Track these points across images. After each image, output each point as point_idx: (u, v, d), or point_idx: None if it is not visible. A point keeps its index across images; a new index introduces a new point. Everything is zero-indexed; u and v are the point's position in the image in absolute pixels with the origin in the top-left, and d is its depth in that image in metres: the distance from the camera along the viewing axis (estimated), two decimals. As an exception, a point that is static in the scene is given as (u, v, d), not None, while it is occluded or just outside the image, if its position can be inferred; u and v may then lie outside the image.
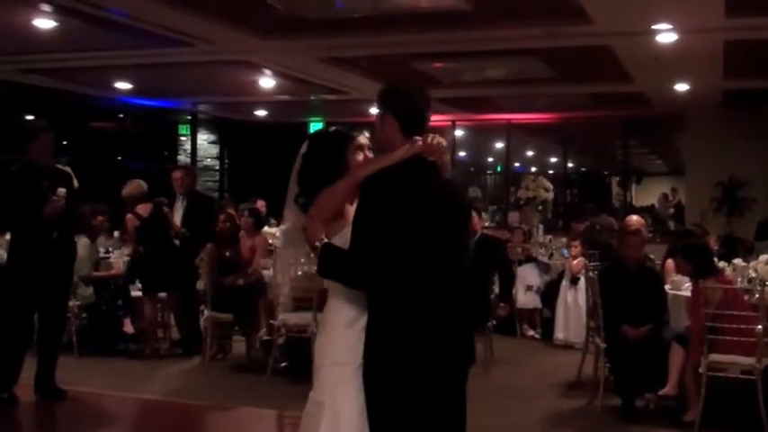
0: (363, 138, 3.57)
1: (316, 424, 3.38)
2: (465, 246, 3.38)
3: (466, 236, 3.40)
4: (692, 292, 6.78)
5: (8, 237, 8.20)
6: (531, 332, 10.25)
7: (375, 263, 3.15)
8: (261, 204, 12.95)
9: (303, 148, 3.62)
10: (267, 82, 12.87)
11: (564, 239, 11.50)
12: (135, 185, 9.20)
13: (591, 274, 7.40)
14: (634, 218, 8.48)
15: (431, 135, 3.28)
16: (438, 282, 3.20)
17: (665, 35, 9.44)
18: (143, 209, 8.91)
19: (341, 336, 3.33)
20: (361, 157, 3.50)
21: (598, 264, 8.38)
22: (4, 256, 8.04)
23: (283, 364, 8.04)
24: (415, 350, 3.17)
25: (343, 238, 3.28)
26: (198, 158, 17.91)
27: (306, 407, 3.49)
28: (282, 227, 10.62)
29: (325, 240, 3.30)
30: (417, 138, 3.26)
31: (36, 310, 6.96)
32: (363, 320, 3.25)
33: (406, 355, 3.18)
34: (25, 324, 6.89)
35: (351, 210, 3.31)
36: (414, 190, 3.21)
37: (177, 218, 8.92)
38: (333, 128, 3.84)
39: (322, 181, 3.40)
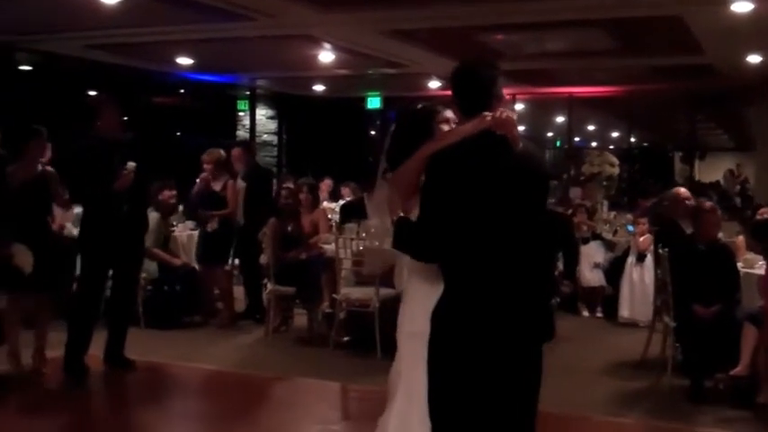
0: (449, 112, 3.58)
1: (394, 392, 3.51)
2: (540, 218, 3.27)
3: (541, 207, 3.28)
4: (766, 270, 6.63)
5: (77, 210, 8.38)
6: (587, 313, 10.13)
7: (440, 234, 3.14)
8: (327, 184, 12.96)
9: (392, 127, 3.69)
10: (327, 56, 12.79)
11: (628, 216, 11.29)
12: (215, 154, 9.23)
13: (660, 251, 7.24)
14: (681, 190, 8.30)
15: (500, 109, 3.21)
16: (508, 254, 3.13)
17: (741, 4, 9.14)
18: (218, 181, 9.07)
19: (417, 307, 3.37)
20: (445, 128, 3.53)
21: (665, 241, 8.20)
22: (74, 231, 8.17)
23: (346, 339, 8.04)
24: (480, 323, 3.12)
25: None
26: (256, 134, 17.96)
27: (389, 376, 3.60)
28: (349, 199, 10.72)
29: (401, 215, 3.30)
30: (486, 113, 3.20)
31: (106, 284, 7.03)
32: (440, 293, 3.22)
33: (471, 328, 3.13)
34: (97, 296, 6.96)
35: None
36: (481, 162, 3.15)
37: (241, 195, 9.12)
38: (420, 104, 3.82)
39: (407, 156, 3.40)
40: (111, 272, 7.05)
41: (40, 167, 6.68)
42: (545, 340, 3.31)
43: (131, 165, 6.72)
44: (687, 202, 7.78)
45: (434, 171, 3.17)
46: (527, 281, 3.17)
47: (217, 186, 9.13)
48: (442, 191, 3.14)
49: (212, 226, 9.00)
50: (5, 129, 7.19)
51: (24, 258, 6.35)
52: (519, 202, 3.15)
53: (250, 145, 10.29)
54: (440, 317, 3.18)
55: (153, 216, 8.72)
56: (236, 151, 9.43)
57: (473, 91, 3.28)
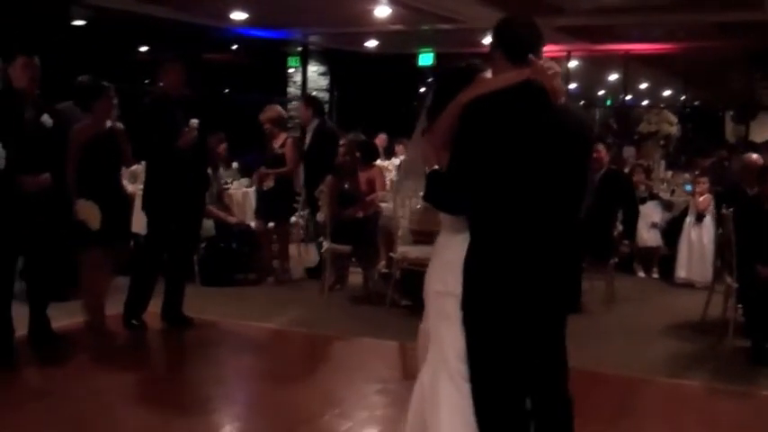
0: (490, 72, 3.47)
1: (423, 352, 3.49)
2: (579, 180, 3.19)
3: (580, 169, 3.19)
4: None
5: (134, 168, 8.43)
6: (643, 273, 10.05)
7: (467, 185, 3.09)
8: (381, 139, 12.92)
9: (434, 84, 3.61)
10: (381, 11, 12.70)
11: (686, 175, 11.13)
12: (275, 111, 9.16)
13: (724, 210, 7.13)
14: (754, 156, 8.17)
15: (542, 59, 3.14)
16: (536, 212, 3.06)
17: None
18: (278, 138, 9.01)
19: (446, 266, 3.32)
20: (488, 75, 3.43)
21: (728, 201, 8.08)
22: (129, 187, 8.24)
23: (405, 303, 8.00)
24: (508, 282, 3.09)
25: None
26: (308, 90, 17.94)
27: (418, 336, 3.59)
28: (403, 158, 10.68)
29: (435, 167, 3.27)
30: (533, 60, 3.12)
31: (170, 242, 7.04)
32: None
33: (498, 286, 3.10)
34: (158, 255, 7.03)
35: None
36: (517, 112, 3.06)
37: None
38: (464, 63, 3.75)
39: None
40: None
41: (108, 124, 6.70)
42: (570, 310, 3.30)
43: (194, 122, 6.71)
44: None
45: (467, 119, 3.08)
46: (556, 241, 3.12)
47: (276, 144, 9.04)
48: (474, 140, 3.06)
49: (268, 185, 8.95)
50: (75, 85, 7.26)
51: (92, 214, 6.38)
52: (553, 158, 3.06)
53: (312, 100, 10.14)
54: (471, 276, 3.14)
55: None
56: (300, 107, 9.32)
57: (519, 39, 3.18)
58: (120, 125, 6.74)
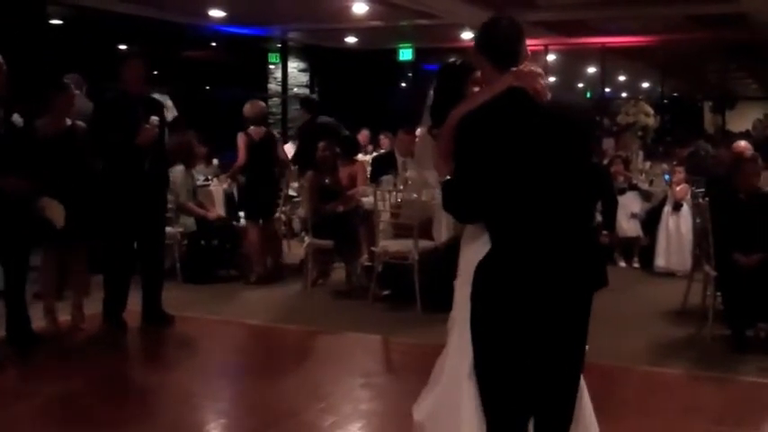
0: (479, 73, 3.56)
1: (449, 337, 3.59)
2: (582, 166, 3.22)
3: (581, 156, 3.22)
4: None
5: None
6: (624, 263, 10.13)
7: (473, 196, 3.16)
8: (364, 135, 12.93)
9: (434, 82, 3.68)
10: (360, 7, 12.73)
11: (664, 166, 11.22)
12: (257, 106, 9.13)
13: (700, 199, 7.21)
14: (742, 143, 8.25)
15: (524, 63, 3.20)
16: (546, 207, 3.10)
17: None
18: (256, 132, 8.96)
19: (470, 256, 3.37)
20: (475, 90, 3.49)
21: (705, 190, 8.16)
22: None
23: (385, 293, 8.06)
24: (524, 278, 3.12)
25: None
26: (288, 87, 17.94)
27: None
28: (380, 152, 10.67)
29: (447, 177, 3.34)
30: (513, 69, 3.18)
31: (134, 239, 6.99)
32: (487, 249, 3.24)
33: (515, 283, 3.13)
34: (125, 253, 6.96)
35: None
36: (506, 119, 3.13)
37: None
38: (459, 60, 3.79)
39: (447, 111, 3.41)
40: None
41: (69, 122, 6.64)
42: (598, 287, 3.30)
43: (154, 119, 6.69)
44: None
45: (462, 135, 3.17)
46: (570, 231, 3.15)
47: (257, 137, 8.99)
48: (471, 153, 3.14)
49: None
50: (34, 83, 7.20)
51: (55, 212, 6.31)
52: (551, 153, 3.11)
53: (302, 100, 10.16)
54: (483, 272, 3.18)
55: (178, 169, 8.74)
56: None
57: (501, 45, 3.24)
58: (81, 123, 6.71)
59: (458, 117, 3.21)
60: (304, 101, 10.16)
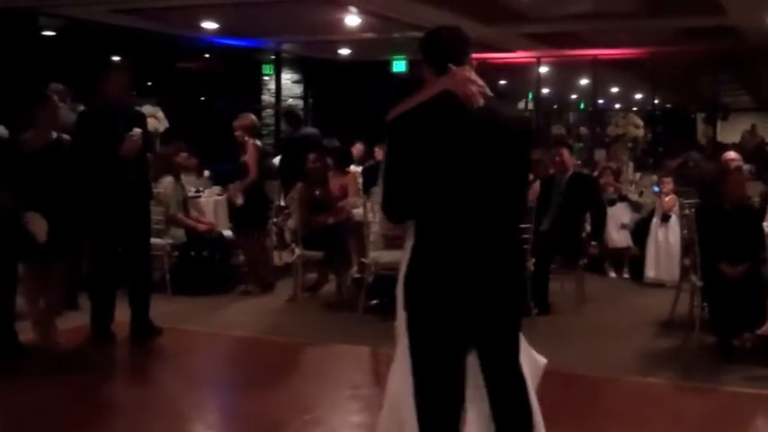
0: None
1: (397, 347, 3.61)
2: (509, 175, 3.26)
3: (507, 165, 3.25)
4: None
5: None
6: (614, 274, 10.17)
7: (399, 196, 3.23)
8: (358, 149, 12.96)
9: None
10: (352, 20, 12.76)
11: (654, 177, 11.29)
12: (248, 119, 9.15)
13: (687, 211, 7.25)
14: (731, 154, 8.29)
15: (463, 67, 3.26)
16: (466, 212, 3.17)
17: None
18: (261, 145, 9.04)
19: (404, 261, 3.42)
20: None
21: (691, 201, 8.22)
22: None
23: (374, 302, 8.08)
24: (441, 282, 3.20)
25: None
26: (282, 98, 17.97)
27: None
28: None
29: None
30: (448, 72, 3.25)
31: (118, 251, 6.95)
32: None
33: (433, 286, 3.23)
34: (111, 265, 6.95)
35: None
36: (433, 123, 3.18)
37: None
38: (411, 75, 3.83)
39: None
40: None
41: (55, 135, 6.62)
42: (517, 311, 3.40)
43: (137, 131, 6.70)
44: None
45: (391, 135, 3.25)
46: (492, 235, 3.21)
47: (243, 155, 9.01)
48: (398, 153, 3.22)
49: (238, 202, 8.96)
50: (19, 96, 7.19)
51: (38, 226, 6.28)
52: (476, 158, 3.16)
53: (284, 113, 10.18)
54: (407, 274, 3.29)
55: (167, 181, 8.75)
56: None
57: (440, 52, 3.31)
58: (66, 137, 6.69)
59: (390, 119, 3.28)
60: (286, 113, 10.20)
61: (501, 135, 3.23)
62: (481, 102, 3.18)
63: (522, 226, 3.58)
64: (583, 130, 17.64)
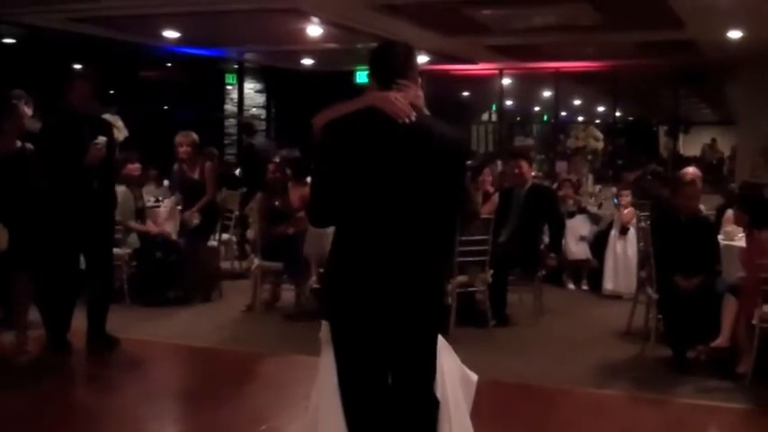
0: None
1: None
2: (440, 190, 3.27)
3: (438, 180, 3.25)
4: (747, 242, 6.72)
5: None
6: (573, 286, 10.25)
7: (319, 198, 3.28)
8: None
9: None
10: (315, 30, 12.76)
11: (613, 189, 11.39)
12: (192, 136, 9.15)
13: (643, 224, 7.33)
14: (690, 169, 8.40)
15: (403, 86, 3.30)
16: (382, 224, 3.20)
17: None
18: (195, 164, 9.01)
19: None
20: None
21: (648, 214, 8.31)
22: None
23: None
24: (349, 286, 3.25)
25: None
26: (244, 107, 17.94)
27: None
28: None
29: None
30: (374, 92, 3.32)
31: (79, 260, 6.92)
32: None
33: (342, 289, 3.28)
34: (71, 274, 6.89)
35: None
36: (357, 133, 3.24)
37: None
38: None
39: None
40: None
41: (19, 144, 6.57)
42: (434, 326, 3.40)
43: (102, 139, 6.66)
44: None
45: (320, 141, 3.30)
46: (407, 254, 3.23)
47: (194, 173, 9.06)
48: (324, 160, 3.27)
49: (195, 222, 8.98)
50: None
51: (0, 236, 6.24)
52: (396, 172, 3.19)
53: (244, 124, 10.20)
54: (324, 281, 3.45)
55: (120, 189, 8.69)
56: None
57: (384, 67, 3.36)
58: (29, 146, 6.65)
59: (319, 124, 3.33)
60: (243, 126, 10.21)
61: (428, 151, 3.24)
62: (412, 118, 3.21)
63: (451, 243, 3.56)
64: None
